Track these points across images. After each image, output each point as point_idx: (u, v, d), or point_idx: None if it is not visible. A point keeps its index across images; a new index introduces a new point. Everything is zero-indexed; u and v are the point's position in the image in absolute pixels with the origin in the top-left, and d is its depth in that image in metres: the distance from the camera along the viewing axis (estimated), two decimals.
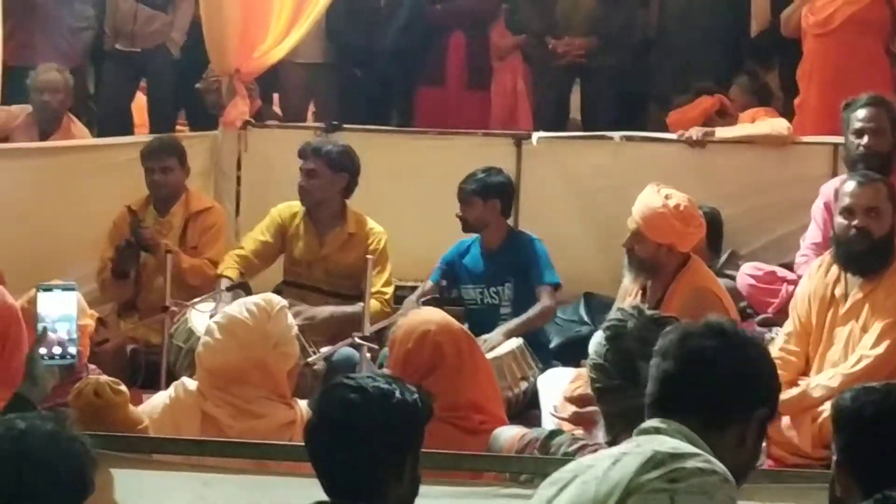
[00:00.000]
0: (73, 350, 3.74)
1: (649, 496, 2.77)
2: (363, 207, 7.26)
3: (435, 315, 5.04)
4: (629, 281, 6.27)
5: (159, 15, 9.42)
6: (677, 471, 2.79)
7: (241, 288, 6.84)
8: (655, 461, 2.81)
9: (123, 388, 4.33)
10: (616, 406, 3.81)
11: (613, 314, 4.15)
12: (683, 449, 2.85)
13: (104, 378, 4.37)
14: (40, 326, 3.72)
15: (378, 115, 9.31)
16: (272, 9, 8.02)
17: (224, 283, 6.92)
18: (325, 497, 3.15)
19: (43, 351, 3.73)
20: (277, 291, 7.18)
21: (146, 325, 7.17)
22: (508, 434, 4.47)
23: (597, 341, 4.04)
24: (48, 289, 3.77)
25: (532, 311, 6.83)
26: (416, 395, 3.21)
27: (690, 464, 2.81)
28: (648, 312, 4.08)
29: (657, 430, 2.94)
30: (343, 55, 9.67)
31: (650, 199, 6.14)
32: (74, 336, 3.76)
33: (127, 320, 7.38)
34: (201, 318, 6.56)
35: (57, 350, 3.72)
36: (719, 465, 2.83)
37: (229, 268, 7.10)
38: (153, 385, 6.30)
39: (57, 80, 8.47)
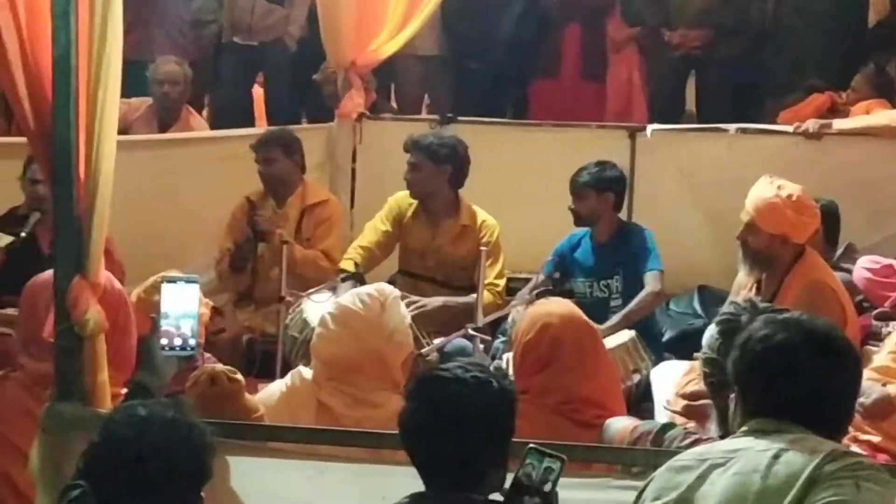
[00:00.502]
0: (192, 342, 3.81)
1: (836, 482, 2.90)
2: (476, 199, 7.28)
3: (560, 307, 5.02)
4: (744, 274, 6.22)
5: (276, 9, 9.53)
6: (858, 464, 2.96)
7: (356, 279, 6.91)
8: (834, 455, 2.96)
9: (239, 376, 4.40)
10: (724, 389, 3.79)
11: (727, 308, 4.14)
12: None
13: (220, 366, 4.43)
14: (161, 316, 3.79)
15: (492, 107, 9.31)
16: (388, 1, 8.04)
17: (340, 274, 6.99)
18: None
19: (164, 341, 3.80)
20: (392, 281, 7.28)
21: (262, 316, 7.27)
22: (620, 425, 4.47)
23: (710, 335, 4.03)
24: (172, 280, 3.84)
25: (635, 301, 6.80)
26: (509, 383, 3.26)
27: (865, 461, 3.01)
28: (762, 306, 4.06)
29: (779, 431, 3.05)
30: (458, 47, 9.70)
31: (763, 189, 6.08)
32: (196, 327, 3.82)
33: (243, 310, 7.47)
34: (316, 308, 6.62)
35: (177, 341, 3.79)
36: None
37: (347, 259, 7.18)
38: (268, 374, 6.36)
39: (177, 72, 8.61)
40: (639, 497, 3.20)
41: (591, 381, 4.92)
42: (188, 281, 3.86)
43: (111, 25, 3.96)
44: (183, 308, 3.83)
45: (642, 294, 6.80)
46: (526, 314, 5.12)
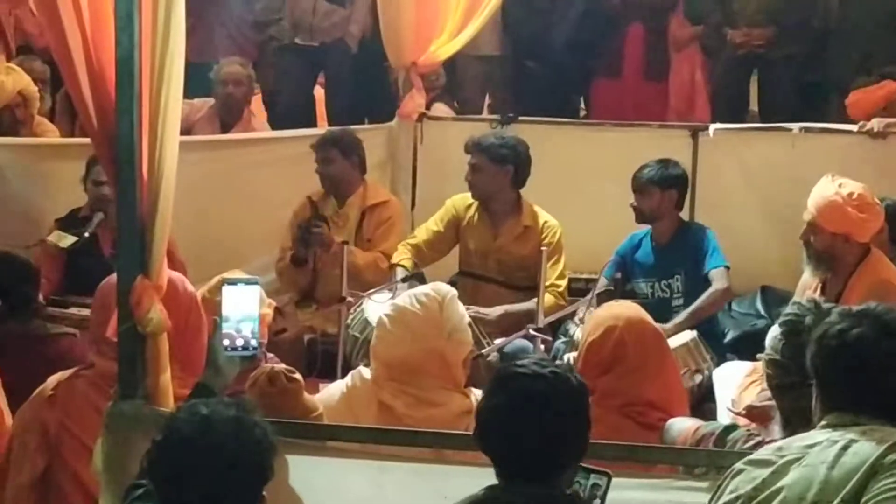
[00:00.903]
0: (254, 342, 3.82)
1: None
2: (538, 199, 7.26)
3: (626, 310, 4.98)
4: (808, 274, 6.17)
5: (337, 9, 9.56)
6: None
7: (416, 279, 6.91)
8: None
9: (298, 375, 4.39)
10: (793, 402, 3.76)
11: (790, 309, 4.10)
12: None
13: (279, 366, 4.43)
14: (222, 318, 3.80)
15: (553, 107, 9.27)
16: (449, 2, 8.04)
17: (400, 274, 6.99)
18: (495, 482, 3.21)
19: (226, 342, 3.82)
20: (452, 283, 7.27)
21: (323, 316, 7.28)
22: (682, 426, 4.44)
23: (773, 336, 4.00)
24: (233, 283, 3.86)
25: (701, 299, 6.74)
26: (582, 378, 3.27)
27: None
28: (826, 306, 4.03)
29: (856, 423, 3.06)
30: (519, 47, 9.69)
31: (824, 188, 6.04)
32: (256, 329, 3.83)
33: (304, 310, 7.48)
34: (377, 308, 6.62)
35: (239, 342, 3.80)
36: None
37: (403, 258, 7.18)
38: (330, 374, 6.37)
39: (240, 72, 8.67)
40: (717, 490, 3.22)
41: (655, 384, 4.89)
42: (248, 283, 3.87)
43: (174, 26, 3.97)
44: (244, 309, 3.84)
45: (709, 291, 6.75)
46: (592, 316, 5.09)
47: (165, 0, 3.96)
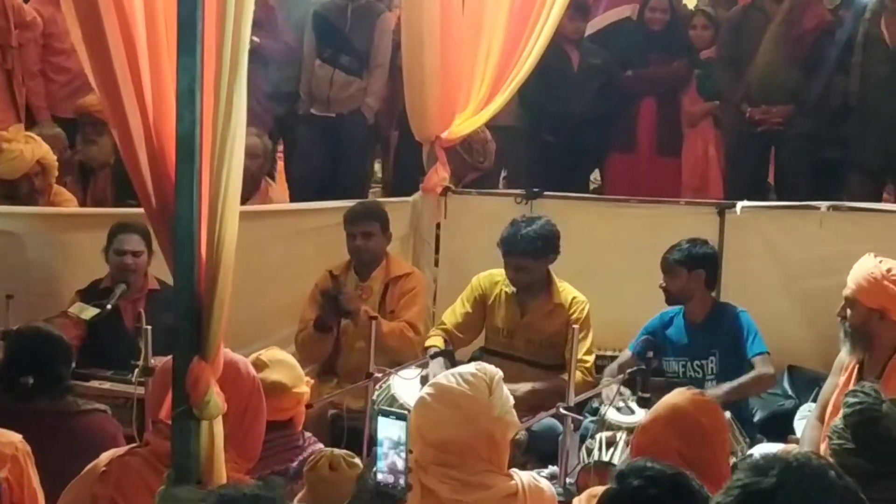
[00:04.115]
0: (402, 481, 3.65)
1: None
2: (561, 274, 7.22)
3: (677, 399, 4.87)
4: (845, 353, 6.12)
5: (355, 80, 9.55)
6: None
7: (446, 356, 6.83)
8: None
9: (357, 460, 4.31)
10: (873, 495, 3.68)
11: (852, 398, 4.03)
12: None
13: (338, 451, 4.34)
14: (380, 451, 3.66)
15: (570, 181, 9.24)
16: (474, 76, 8.01)
17: (431, 351, 6.92)
18: None
19: (380, 477, 3.67)
20: (474, 359, 7.19)
21: (346, 391, 7.18)
22: None
23: (838, 425, 3.94)
24: (386, 414, 3.69)
25: (747, 377, 6.70)
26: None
27: None
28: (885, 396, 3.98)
29: None
30: (536, 121, 9.67)
31: (864, 263, 6.05)
32: (404, 466, 3.66)
33: (326, 384, 7.39)
34: (404, 384, 6.55)
35: (390, 478, 3.64)
36: None
37: (435, 336, 7.11)
38: (355, 451, 6.26)
39: (256, 144, 8.60)
40: None
41: (700, 474, 4.77)
42: (398, 417, 3.67)
43: (237, 101, 3.92)
44: (395, 444, 3.66)
45: (756, 373, 6.71)
46: (657, 404, 4.97)
47: (228, 74, 3.91)
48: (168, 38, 3.98)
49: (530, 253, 7.01)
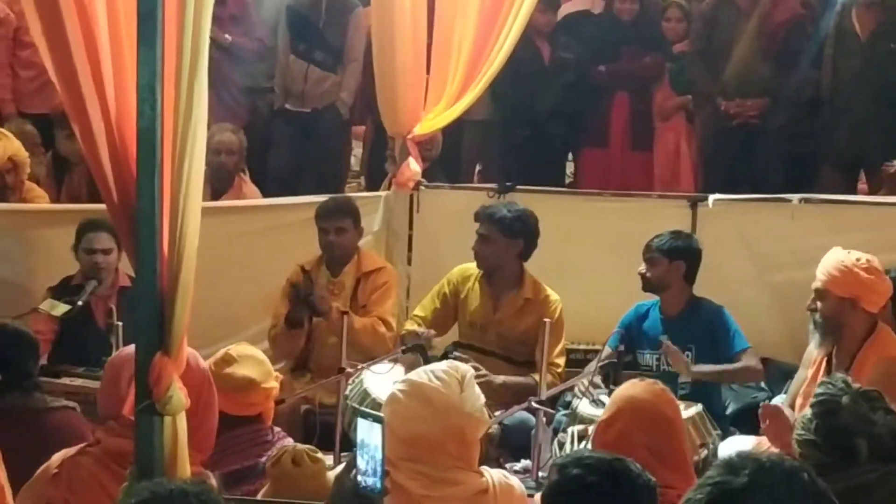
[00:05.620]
0: (379, 484, 3.59)
1: None
2: (534, 268, 7.20)
3: (641, 393, 4.83)
4: (814, 346, 6.14)
5: (329, 76, 9.54)
6: None
7: (417, 350, 6.82)
8: None
9: (320, 455, 4.31)
10: (832, 484, 3.68)
11: (821, 388, 4.03)
12: None
13: (301, 446, 4.34)
14: (360, 452, 3.61)
15: (544, 174, 9.25)
16: (447, 70, 8.00)
17: (402, 346, 6.91)
18: None
19: (360, 479, 3.62)
20: (449, 352, 7.19)
21: (319, 386, 7.17)
22: None
23: (805, 417, 3.94)
24: (364, 416, 3.64)
25: (735, 365, 6.73)
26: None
27: None
28: (855, 386, 3.98)
29: None
30: (507, 115, 9.66)
31: (833, 254, 6.08)
32: (382, 468, 3.60)
33: (299, 380, 7.38)
34: (376, 379, 6.54)
35: (369, 480, 3.60)
36: None
37: (410, 326, 7.12)
38: (328, 446, 6.26)
39: (233, 141, 8.59)
40: None
41: (668, 467, 4.77)
42: (375, 419, 3.60)
43: (197, 96, 3.91)
44: (373, 446, 3.59)
45: (744, 363, 6.74)
46: (615, 393, 4.98)
47: (189, 68, 3.89)
48: (129, 32, 3.96)
49: (501, 226, 7.00)
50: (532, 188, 8.21)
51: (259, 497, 4.57)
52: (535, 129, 9.61)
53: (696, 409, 6.45)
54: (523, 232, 7.05)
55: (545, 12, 9.31)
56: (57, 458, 4.49)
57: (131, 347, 4.22)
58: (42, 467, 4.49)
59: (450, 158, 9.39)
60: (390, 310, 7.43)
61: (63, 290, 7.22)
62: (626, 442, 4.64)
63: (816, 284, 6.02)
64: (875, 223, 7.59)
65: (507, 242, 7.04)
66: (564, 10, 9.94)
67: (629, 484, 3.25)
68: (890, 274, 6.32)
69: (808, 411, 3.95)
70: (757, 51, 9.22)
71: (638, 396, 4.74)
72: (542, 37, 9.55)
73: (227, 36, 9.35)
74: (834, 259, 6.02)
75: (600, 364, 6.62)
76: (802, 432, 3.92)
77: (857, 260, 5.97)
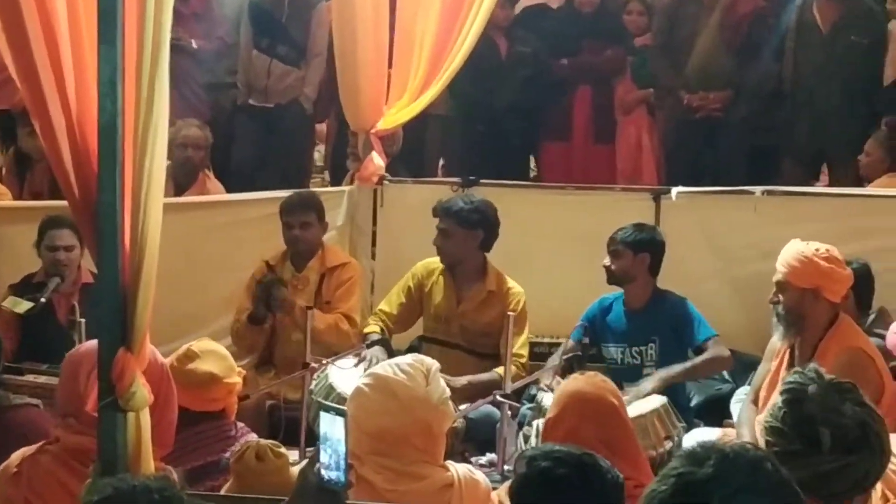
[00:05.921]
0: (343, 477, 3.57)
1: None
2: (498, 261, 7.21)
3: (584, 386, 4.86)
4: (777, 338, 6.15)
5: (292, 70, 9.53)
6: None
7: (382, 345, 6.83)
8: None
9: (284, 450, 4.30)
10: (796, 472, 3.70)
11: (792, 377, 4.05)
12: None
13: (265, 441, 4.32)
14: (322, 446, 3.59)
15: (507, 169, 9.24)
16: (409, 65, 8.00)
17: (369, 339, 6.92)
18: None
19: (323, 473, 3.60)
20: (413, 347, 7.19)
21: (284, 381, 7.15)
22: None
23: (773, 404, 3.95)
24: (327, 410, 3.63)
25: (701, 359, 6.70)
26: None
27: None
28: (827, 377, 3.99)
29: None
30: (466, 110, 9.66)
31: (792, 246, 6.08)
32: (346, 462, 3.58)
33: (263, 376, 7.36)
34: (341, 374, 6.54)
35: (333, 474, 3.59)
36: None
37: (373, 325, 7.11)
38: (293, 441, 6.26)
39: (199, 136, 8.59)
40: None
41: (624, 458, 4.78)
42: (338, 413, 3.59)
43: (158, 91, 3.89)
44: (336, 439, 3.57)
45: (711, 355, 6.71)
46: (557, 389, 4.99)
47: (149, 64, 3.88)
48: (89, 28, 3.94)
49: (459, 218, 7.01)
50: (496, 182, 8.22)
51: (222, 493, 4.55)
52: (493, 124, 9.63)
53: (661, 401, 6.47)
54: (481, 222, 7.05)
55: (503, 7, 9.29)
56: (16, 456, 4.45)
57: (89, 343, 4.21)
58: (2, 466, 4.46)
59: (413, 153, 9.40)
60: (354, 306, 7.43)
61: (25, 287, 7.19)
62: (576, 437, 4.64)
63: (777, 277, 6.02)
64: (836, 214, 7.62)
65: (466, 234, 7.04)
66: (522, 4, 9.92)
67: (598, 479, 3.26)
68: (851, 265, 6.35)
69: (777, 399, 3.96)
70: (720, 43, 9.26)
71: (582, 390, 4.76)
72: (500, 31, 9.53)
73: (193, 43, 9.33)
74: (793, 250, 6.03)
75: (564, 357, 6.63)
76: (770, 419, 3.93)
77: (817, 250, 5.98)
